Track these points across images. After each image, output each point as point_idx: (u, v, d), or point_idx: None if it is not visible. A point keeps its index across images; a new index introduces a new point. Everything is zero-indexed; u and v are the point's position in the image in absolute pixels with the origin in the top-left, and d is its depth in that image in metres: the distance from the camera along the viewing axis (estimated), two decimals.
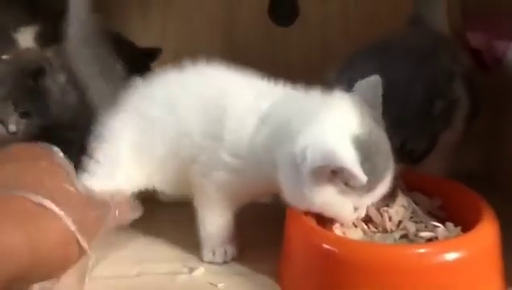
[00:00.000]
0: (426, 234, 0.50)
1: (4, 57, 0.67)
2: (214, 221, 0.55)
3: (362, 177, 0.45)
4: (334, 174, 0.46)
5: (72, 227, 0.43)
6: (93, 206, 0.47)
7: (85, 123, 0.60)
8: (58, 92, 0.68)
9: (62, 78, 0.72)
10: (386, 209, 0.53)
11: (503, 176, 0.67)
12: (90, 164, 0.55)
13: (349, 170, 0.45)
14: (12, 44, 0.70)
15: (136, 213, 0.54)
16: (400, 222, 0.52)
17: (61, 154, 0.49)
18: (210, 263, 0.55)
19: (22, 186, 0.43)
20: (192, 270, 0.54)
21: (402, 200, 0.54)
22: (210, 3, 0.80)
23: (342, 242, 0.48)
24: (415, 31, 0.65)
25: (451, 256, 0.45)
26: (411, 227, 0.51)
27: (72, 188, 0.46)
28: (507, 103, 0.66)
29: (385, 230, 0.52)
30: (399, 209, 0.53)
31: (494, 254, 0.48)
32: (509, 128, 0.68)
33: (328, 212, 0.49)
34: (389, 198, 0.52)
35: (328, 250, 0.47)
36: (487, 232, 0.48)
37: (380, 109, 0.49)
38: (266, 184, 0.51)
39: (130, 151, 0.55)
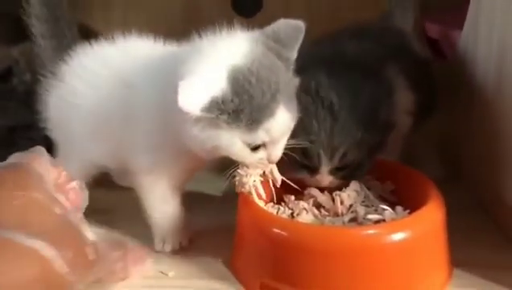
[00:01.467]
0: (373, 217, 0.51)
1: None
2: (160, 209, 0.54)
3: (184, 102, 0.43)
4: None
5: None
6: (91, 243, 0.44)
7: None
8: (24, 92, 0.67)
9: (28, 77, 0.71)
10: (338, 193, 0.54)
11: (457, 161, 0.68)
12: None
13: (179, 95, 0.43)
14: None
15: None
16: (351, 206, 0.53)
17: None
18: (161, 252, 0.55)
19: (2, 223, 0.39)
20: None
21: (355, 184, 0.55)
22: None
23: (290, 225, 0.49)
24: (375, 34, 0.63)
25: (396, 237, 0.46)
26: (361, 210, 0.52)
27: (67, 225, 0.42)
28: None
29: (336, 214, 0.53)
30: (351, 194, 0.54)
31: (440, 235, 0.49)
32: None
33: (221, 151, 0.47)
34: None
35: (276, 233, 0.47)
36: (432, 213, 0.49)
37: (291, 49, 0.48)
38: (189, 149, 0.48)
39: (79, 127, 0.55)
